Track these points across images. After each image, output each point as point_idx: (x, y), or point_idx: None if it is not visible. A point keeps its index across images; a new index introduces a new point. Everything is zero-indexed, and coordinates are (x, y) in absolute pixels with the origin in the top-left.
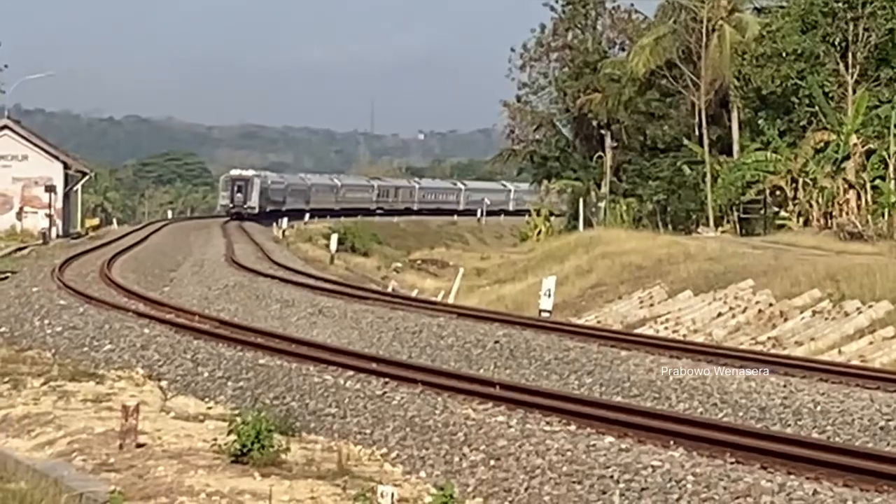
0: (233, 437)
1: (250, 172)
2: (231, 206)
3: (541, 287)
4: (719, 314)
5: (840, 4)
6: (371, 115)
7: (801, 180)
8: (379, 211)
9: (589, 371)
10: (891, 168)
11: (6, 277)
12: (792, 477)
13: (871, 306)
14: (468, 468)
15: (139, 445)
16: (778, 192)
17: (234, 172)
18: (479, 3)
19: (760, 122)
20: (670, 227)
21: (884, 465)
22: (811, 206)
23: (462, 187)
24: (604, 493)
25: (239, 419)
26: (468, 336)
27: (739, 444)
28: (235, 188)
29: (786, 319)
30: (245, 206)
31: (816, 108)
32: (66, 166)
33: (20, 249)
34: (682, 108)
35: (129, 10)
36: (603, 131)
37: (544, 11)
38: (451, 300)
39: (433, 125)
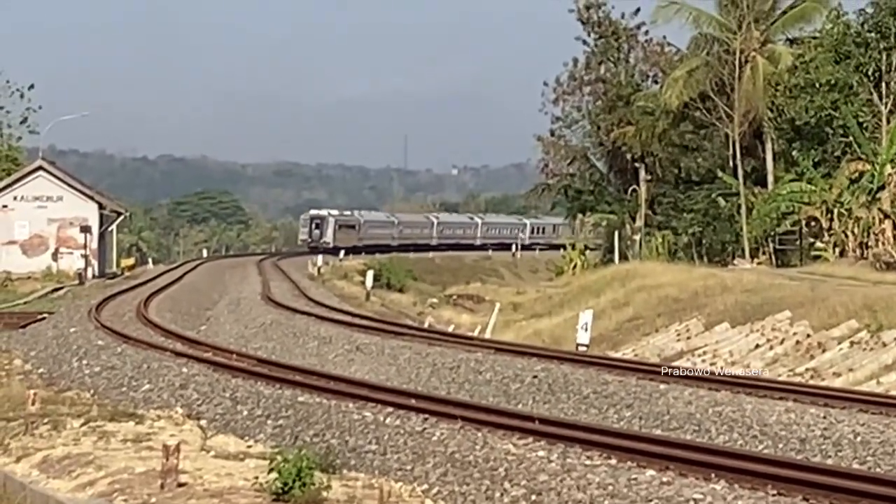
0: (274, 475)
1: (325, 212)
2: (309, 240)
3: (577, 321)
4: (757, 346)
5: (873, 35)
6: (405, 150)
7: (836, 211)
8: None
9: (628, 404)
10: None
11: (44, 318)
12: None
13: None
14: (510, 503)
15: (180, 485)
16: (813, 223)
17: (313, 212)
18: (512, 38)
19: (795, 153)
20: (706, 259)
21: None
22: (847, 236)
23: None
24: None
25: (280, 457)
26: (506, 371)
27: (781, 475)
28: (313, 225)
29: (823, 350)
30: (321, 241)
31: (851, 138)
32: (100, 206)
33: (57, 290)
34: (716, 139)
35: (162, 49)
36: (637, 164)
37: (577, 45)
38: (487, 335)
39: (466, 160)
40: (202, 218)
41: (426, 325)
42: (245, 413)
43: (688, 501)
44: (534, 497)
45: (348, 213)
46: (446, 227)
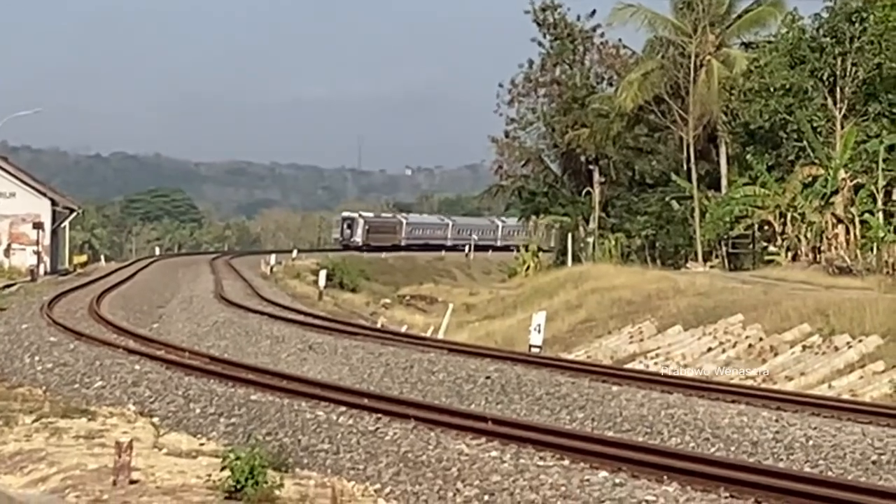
0: (226, 473)
1: (356, 213)
2: (341, 239)
3: (530, 322)
4: (709, 349)
5: (828, 39)
6: (359, 151)
7: (789, 215)
8: None
9: (581, 406)
10: (879, 202)
11: None
12: None
13: (860, 340)
14: (462, 503)
15: (133, 482)
16: (766, 227)
17: (345, 213)
18: (468, 40)
19: (749, 156)
20: (659, 262)
21: (876, 498)
22: (800, 240)
23: (403, 220)
24: None
25: (232, 455)
26: (459, 371)
27: (733, 478)
28: (345, 225)
29: (776, 354)
30: (351, 240)
31: (805, 142)
32: (53, 203)
33: (8, 286)
34: (671, 143)
35: (117, 47)
36: (591, 166)
37: (533, 47)
38: (440, 336)
39: (420, 161)
40: (155, 216)
41: (379, 325)
42: (198, 411)
43: (640, 503)
44: (486, 497)
45: (388, 215)
46: (513, 230)
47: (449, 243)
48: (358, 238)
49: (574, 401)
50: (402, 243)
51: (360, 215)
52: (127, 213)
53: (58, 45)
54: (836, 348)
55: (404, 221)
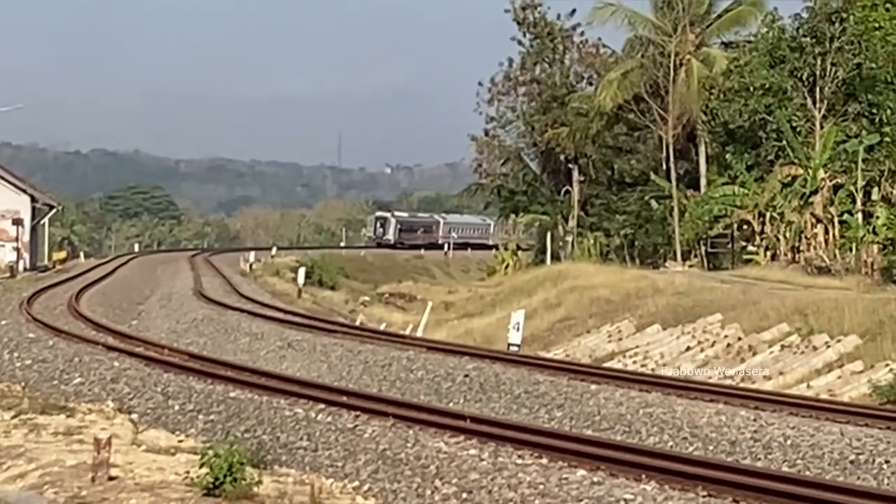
0: (205, 470)
1: (388, 213)
2: (374, 237)
3: (509, 321)
4: (688, 348)
5: (808, 39)
6: (338, 148)
7: (768, 214)
8: None
9: (559, 404)
10: (858, 202)
11: None
12: None
13: (839, 340)
14: (440, 501)
15: (111, 478)
16: (745, 227)
17: (378, 213)
18: (448, 38)
19: (728, 156)
20: (638, 261)
21: (854, 498)
22: (779, 240)
23: (441, 220)
24: None
25: (211, 452)
26: (438, 369)
27: (711, 477)
28: (378, 224)
29: (754, 353)
30: (384, 238)
31: (784, 142)
32: (33, 199)
33: None
34: (650, 142)
35: (97, 43)
36: (570, 165)
37: (513, 46)
38: (419, 334)
39: (400, 159)
40: (134, 213)
41: (358, 323)
42: (176, 408)
43: (618, 501)
44: (465, 495)
45: (425, 215)
46: None
47: (490, 242)
48: (390, 236)
49: (552, 399)
50: (440, 241)
51: (392, 215)
52: (106, 209)
53: (37, 41)
54: (815, 348)
55: (442, 221)
